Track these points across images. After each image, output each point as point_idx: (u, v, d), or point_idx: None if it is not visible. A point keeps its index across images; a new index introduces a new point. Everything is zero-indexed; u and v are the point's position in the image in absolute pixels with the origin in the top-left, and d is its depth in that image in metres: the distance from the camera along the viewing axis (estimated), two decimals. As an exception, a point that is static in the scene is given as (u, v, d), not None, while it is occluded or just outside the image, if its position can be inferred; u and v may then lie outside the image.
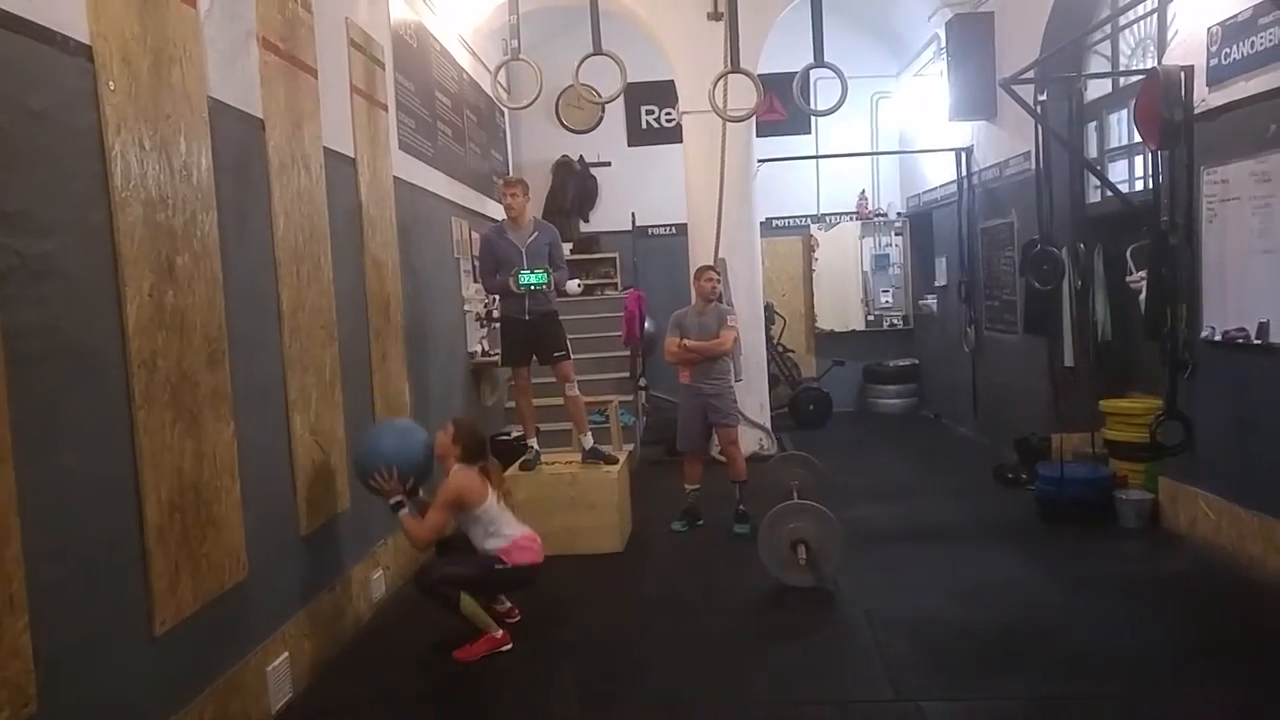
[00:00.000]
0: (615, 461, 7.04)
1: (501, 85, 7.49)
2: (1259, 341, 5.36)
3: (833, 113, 6.59)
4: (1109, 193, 7.20)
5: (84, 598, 3.02)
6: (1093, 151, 7.93)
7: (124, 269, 3.24)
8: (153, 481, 3.36)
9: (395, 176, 6.51)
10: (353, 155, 5.73)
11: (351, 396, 5.40)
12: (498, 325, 7.42)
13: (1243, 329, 5.50)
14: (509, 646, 4.96)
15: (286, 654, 4.38)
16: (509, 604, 5.34)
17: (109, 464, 3.19)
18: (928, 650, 4.74)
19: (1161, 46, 6.29)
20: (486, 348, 8.82)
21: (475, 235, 8.46)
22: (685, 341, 7.08)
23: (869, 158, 12.80)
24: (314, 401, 4.88)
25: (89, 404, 3.09)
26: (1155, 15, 6.46)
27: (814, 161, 12.59)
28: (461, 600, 4.88)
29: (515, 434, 8.07)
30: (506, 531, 5.13)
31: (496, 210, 8.88)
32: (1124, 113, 7.51)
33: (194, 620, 3.61)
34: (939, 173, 11.16)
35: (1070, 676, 4.36)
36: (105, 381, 3.18)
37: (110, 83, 3.20)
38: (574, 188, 12.64)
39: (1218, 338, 5.73)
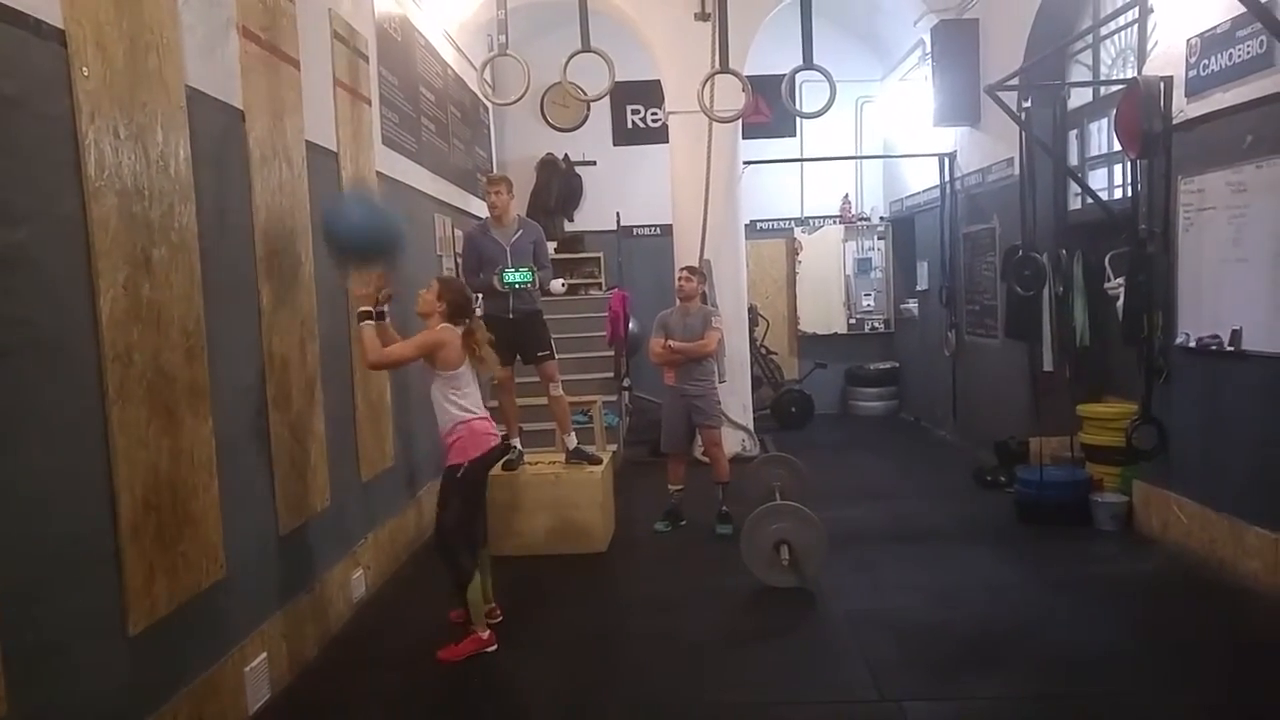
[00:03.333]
0: (599, 462, 7.03)
1: (487, 81, 7.46)
2: (1232, 348, 5.42)
3: (821, 115, 6.60)
4: (1090, 200, 7.24)
5: (56, 597, 2.97)
6: (1074, 159, 7.97)
7: (98, 261, 3.18)
8: (127, 479, 3.31)
9: (378, 172, 6.47)
10: (335, 149, 5.68)
11: (331, 395, 5.36)
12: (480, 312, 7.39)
13: (1216, 336, 5.55)
14: (494, 648, 4.93)
15: (265, 654, 4.34)
16: (492, 604, 5.30)
17: (82, 461, 3.14)
18: (909, 650, 4.76)
19: (1142, 57, 6.33)
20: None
21: (459, 233, 8.42)
22: (670, 342, 7.08)
23: (853, 162, 12.82)
24: (293, 399, 4.83)
25: (61, 399, 3.03)
26: (1136, 26, 6.49)
27: (798, 165, 12.62)
28: (472, 583, 4.86)
29: (500, 434, 8.03)
30: (469, 404, 5.00)
31: (480, 208, 8.85)
32: (1105, 121, 7.55)
33: (170, 620, 3.57)
34: (922, 178, 11.19)
35: (1048, 676, 4.41)
36: (78, 376, 3.12)
37: (84, 68, 3.13)
38: (559, 186, 12.60)
39: (1192, 344, 5.78)
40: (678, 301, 7.32)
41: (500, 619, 5.28)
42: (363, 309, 4.78)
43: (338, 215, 4.77)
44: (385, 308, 4.96)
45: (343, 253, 4.84)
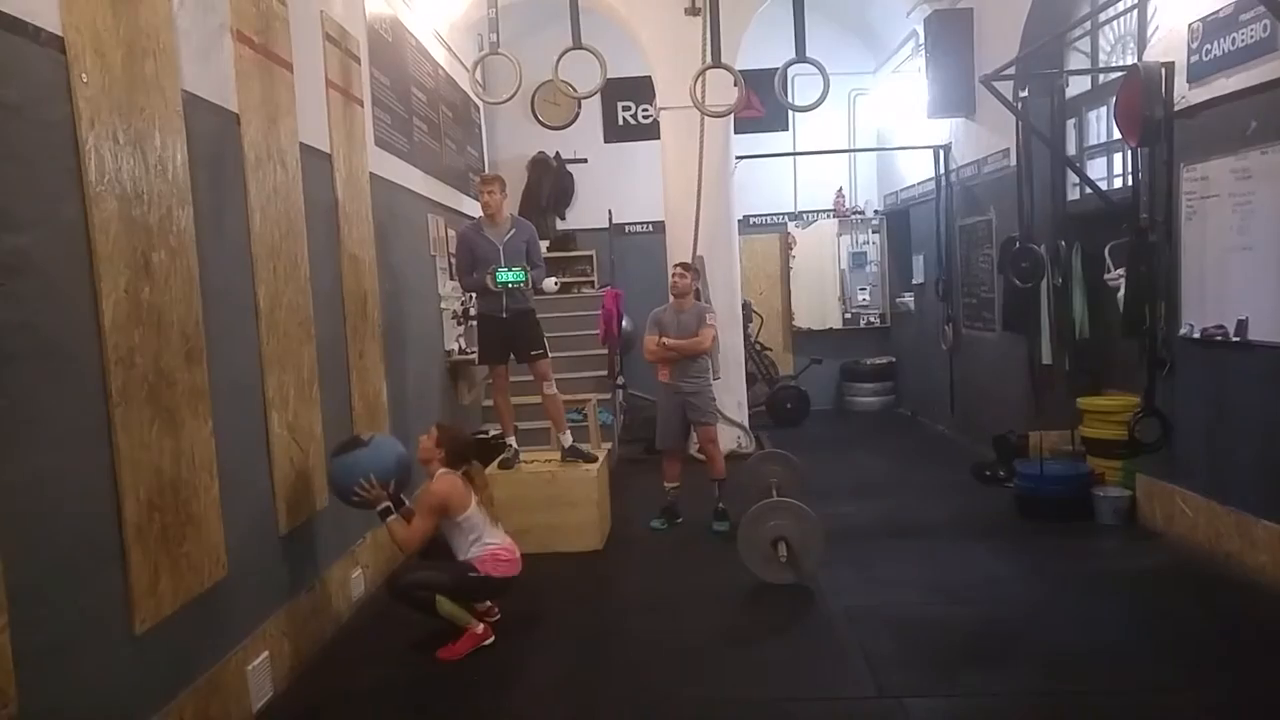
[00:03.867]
0: (594, 460, 7.01)
1: (478, 80, 7.42)
2: (1238, 339, 5.39)
3: (815, 108, 6.58)
4: (1089, 190, 7.22)
5: (63, 597, 2.98)
6: (1072, 149, 7.95)
7: (99, 265, 3.18)
8: (131, 480, 3.31)
9: (371, 173, 6.44)
10: (329, 151, 5.66)
11: (329, 395, 5.35)
12: (475, 323, 7.37)
13: (1221, 326, 5.52)
14: (491, 639, 4.95)
15: (267, 653, 4.36)
16: (487, 602, 5.30)
17: (86, 462, 3.14)
18: (909, 646, 4.74)
19: (1142, 43, 6.31)
20: (464, 346, 8.76)
21: (452, 232, 8.40)
22: (664, 340, 7.06)
23: (846, 155, 12.81)
24: (292, 400, 4.83)
25: (65, 402, 3.04)
26: (1135, 11, 6.47)
27: (791, 159, 12.61)
28: (437, 602, 4.87)
29: (493, 432, 8.02)
30: (487, 540, 5.11)
31: (473, 207, 8.82)
32: (1104, 110, 7.53)
33: (174, 619, 3.58)
34: (917, 170, 11.19)
35: (1050, 672, 4.39)
36: (82, 379, 3.12)
37: (83, 75, 3.14)
38: (550, 185, 12.58)
39: (1196, 335, 5.76)
40: (671, 298, 7.30)
41: (498, 617, 5.27)
42: (380, 508, 4.90)
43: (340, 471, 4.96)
44: (402, 496, 5.09)
45: (345, 495, 4.96)
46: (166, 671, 3.56)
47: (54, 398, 2.98)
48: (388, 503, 4.90)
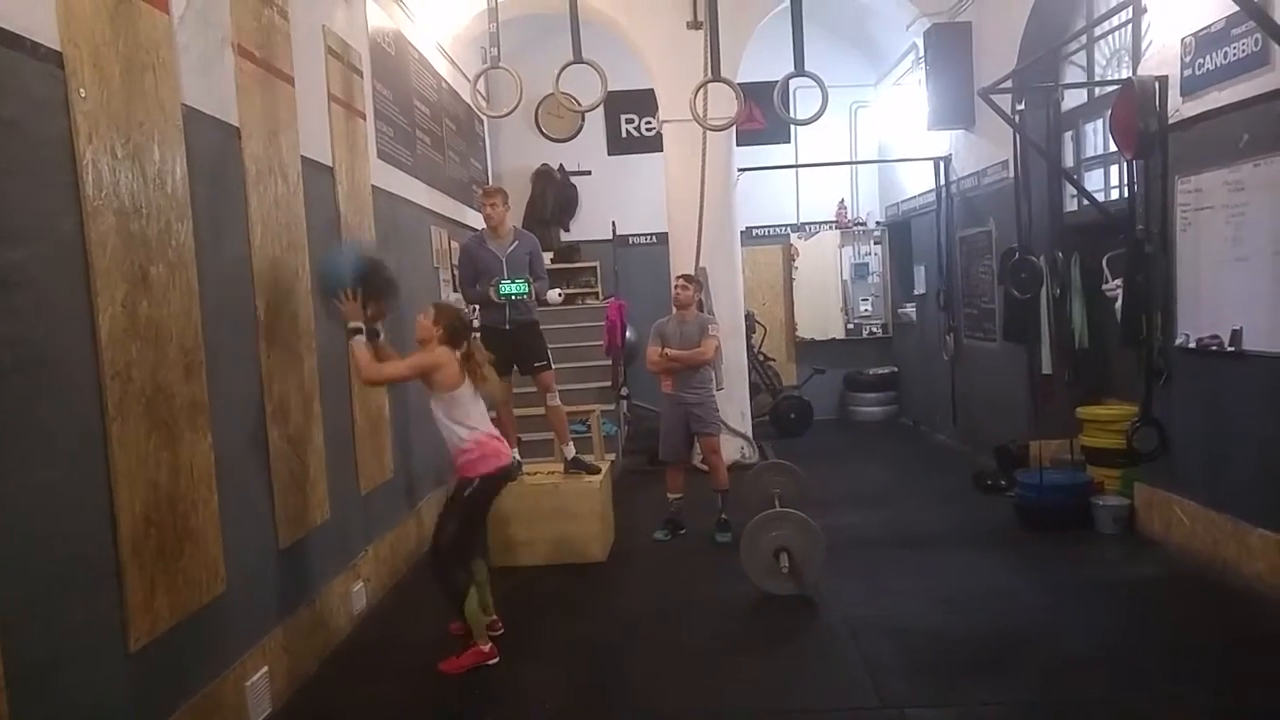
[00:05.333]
0: (597, 471, 7.02)
1: (481, 93, 7.46)
2: (1232, 349, 5.41)
3: (814, 121, 6.62)
4: (1086, 202, 7.24)
5: (57, 614, 2.97)
6: (1069, 161, 7.99)
7: (96, 279, 3.19)
8: (127, 495, 3.31)
9: (374, 185, 6.48)
10: (331, 164, 5.69)
11: (330, 408, 5.36)
12: (478, 335, 7.38)
13: (1216, 336, 5.54)
14: (495, 660, 4.92)
15: (266, 669, 4.33)
16: (493, 616, 5.29)
17: (82, 477, 3.14)
18: (910, 656, 4.75)
19: (1136, 57, 6.35)
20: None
21: (455, 245, 8.43)
22: (667, 350, 7.08)
23: (848, 167, 12.83)
24: (292, 413, 4.84)
25: (61, 417, 3.03)
26: (1130, 26, 6.51)
27: (793, 171, 12.61)
28: (467, 599, 4.85)
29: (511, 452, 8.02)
30: (473, 423, 5.00)
31: (476, 219, 8.85)
32: (1100, 122, 7.55)
33: (170, 635, 3.56)
34: (917, 182, 11.20)
35: (1051, 681, 4.40)
36: (78, 394, 3.13)
37: (81, 89, 3.15)
38: (554, 197, 12.60)
39: (1192, 345, 5.77)
40: (674, 310, 7.32)
41: (502, 631, 5.27)
42: (351, 324, 4.79)
43: (325, 263, 4.93)
44: (377, 326, 4.98)
45: (328, 287, 4.89)
46: (163, 688, 3.54)
47: (49, 412, 2.97)
48: (359, 322, 4.77)
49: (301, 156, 5.15)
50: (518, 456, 7.04)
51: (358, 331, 4.79)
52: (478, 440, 4.99)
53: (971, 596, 5.56)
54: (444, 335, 4.96)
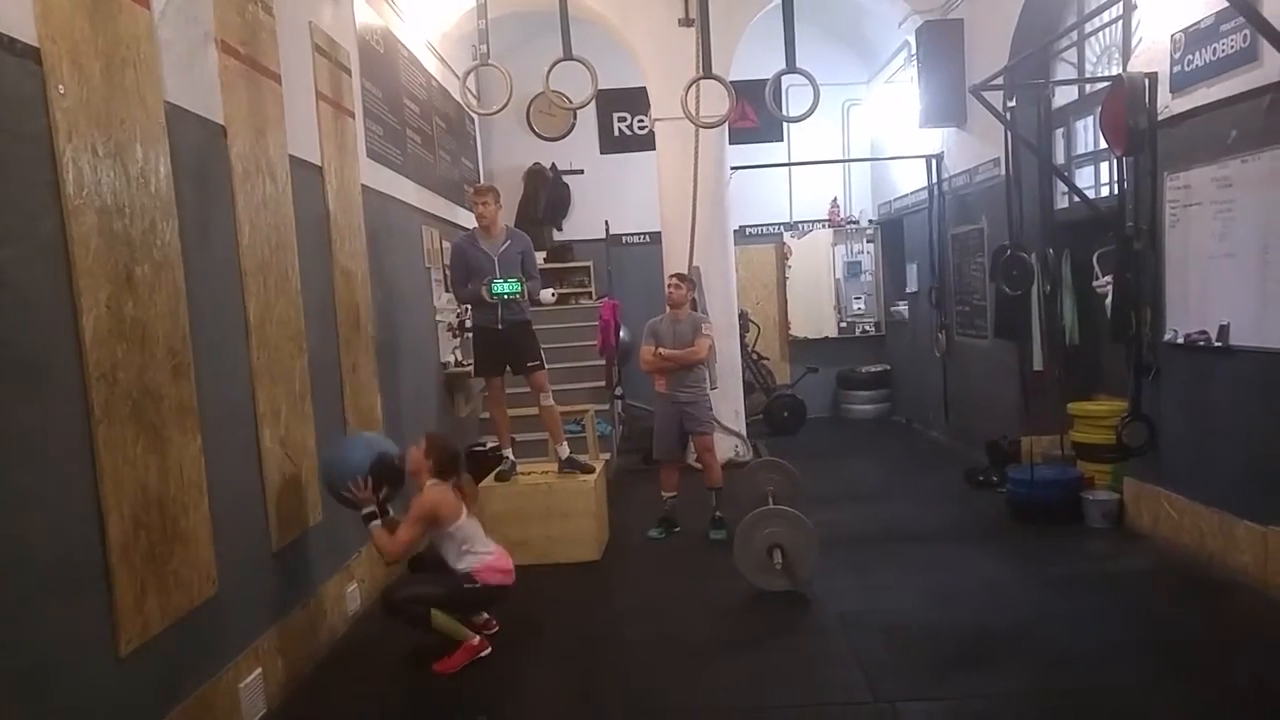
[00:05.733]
0: (592, 471, 7.01)
1: (471, 91, 7.44)
2: (1220, 344, 5.44)
3: (805, 119, 6.59)
4: (1076, 198, 7.25)
5: (45, 619, 2.95)
6: (1060, 158, 7.99)
7: (79, 279, 3.16)
8: (115, 498, 3.29)
9: (363, 185, 6.46)
10: (319, 163, 5.67)
11: (322, 408, 5.34)
12: (470, 335, 7.38)
13: (1204, 332, 5.57)
14: (488, 651, 4.94)
15: (259, 670, 4.33)
16: (485, 615, 5.30)
17: (68, 480, 3.11)
18: (903, 651, 4.77)
19: (1126, 53, 6.35)
20: (459, 358, 8.78)
21: (446, 244, 8.42)
22: (660, 350, 7.08)
23: (840, 165, 12.83)
24: (284, 414, 4.82)
25: (45, 419, 3.01)
26: (1120, 22, 6.50)
27: (786, 169, 12.62)
28: (432, 616, 4.86)
29: (490, 445, 8.03)
30: (480, 549, 5.11)
31: (467, 219, 8.83)
32: (1090, 119, 7.56)
33: (162, 638, 3.55)
34: (910, 180, 11.21)
35: (1042, 674, 4.42)
36: (62, 396, 3.10)
37: (60, 86, 3.11)
38: (546, 196, 12.59)
39: (1180, 340, 5.80)
40: (668, 309, 7.31)
41: (497, 629, 5.27)
42: (365, 511, 4.89)
43: (335, 457, 5.00)
44: (388, 505, 5.06)
45: (336, 486, 4.95)
46: (154, 691, 3.53)
47: (32, 415, 2.95)
48: (374, 507, 4.88)
49: (289, 155, 5.12)
50: (511, 456, 7.05)
51: (373, 517, 4.90)
52: (485, 564, 5.09)
53: (963, 591, 5.58)
54: (434, 467, 5.08)
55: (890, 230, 12.57)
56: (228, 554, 4.09)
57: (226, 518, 4.10)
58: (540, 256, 9.17)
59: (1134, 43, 6.25)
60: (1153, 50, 5.93)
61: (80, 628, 3.15)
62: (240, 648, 4.21)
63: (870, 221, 12.96)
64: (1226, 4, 4.79)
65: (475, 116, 11.04)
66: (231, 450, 4.27)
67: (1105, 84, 6.41)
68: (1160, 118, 5.85)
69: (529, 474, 7.06)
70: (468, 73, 6.97)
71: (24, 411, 2.92)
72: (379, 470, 4.92)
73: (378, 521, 4.91)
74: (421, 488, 5.08)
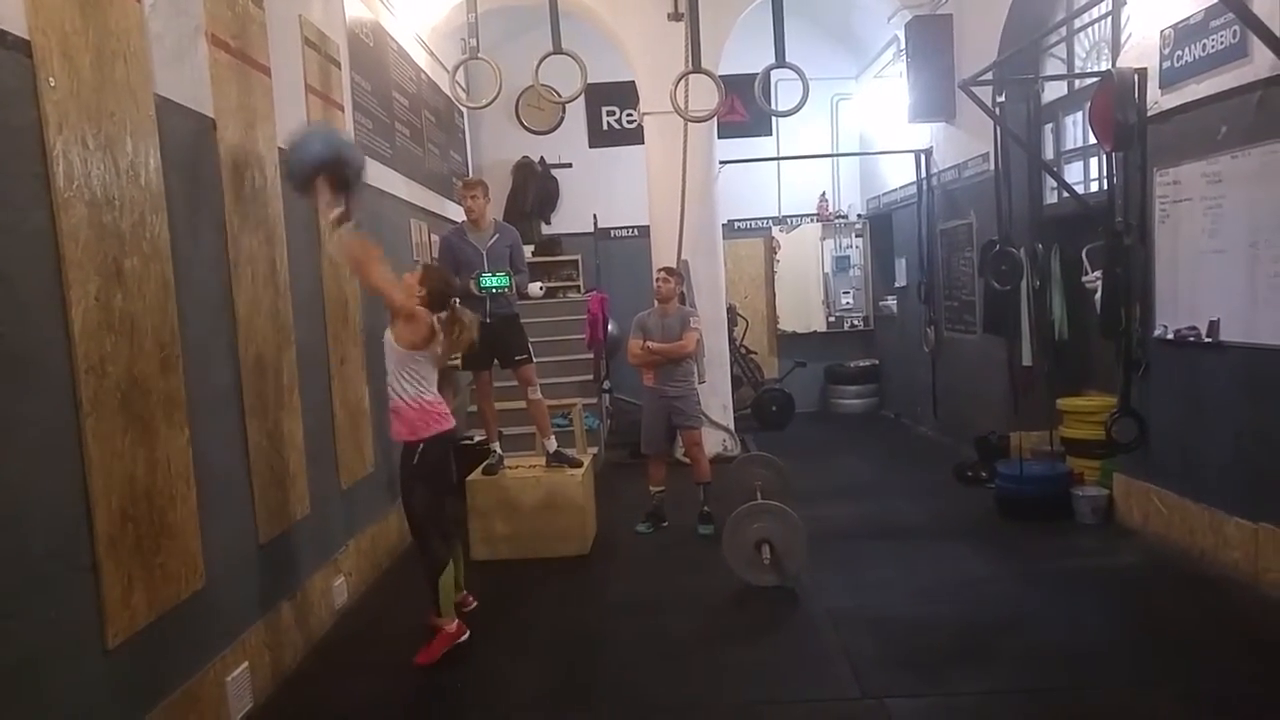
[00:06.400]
0: (579, 464, 7.00)
1: (460, 85, 7.42)
2: (1209, 340, 5.46)
3: (794, 113, 6.62)
4: (1065, 194, 7.27)
5: (32, 611, 2.94)
6: (1049, 153, 8.01)
7: (69, 272, 3.15)
8: (103, 490, 3.28)
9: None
10: (309, 157, 5.64)
11: (310, 402, 5.33)
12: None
13: (1194, 327, 5.58)
14: (466, 636, 4.94)
15: (247, 663, 4.32)
16: (463, 592, 5.33)
17: (56, 473, 3.11)
18: (891, 647, 4.77)
19: (1116, 49, 6.36)
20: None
21: (435, 237, 8.39)
22: (648, 344, 7.07)
23: (829, 159, 12.84)
24: (271, 407, 4.81)
25: (34, 412, 3.00)
26: (1110, 18, 6.52)
27: (775, 163, 12.62)
28: (444, 571, 4.89)
29: (478, 438, 8.02)
30: (422, 385, 4.97)
31: (456, 212, 8.83)
32: (1080, 114, 7.57)
33: (149, 631, 3.54)
34: (899, 174, 11.22)
35: (1031, 670, 4.42)
36: (51, 388, 3.09)
37: (50, 79, 3.10)
38: (535, 189, 12.57)
39: (1170, 336, 5.81)
40: (656, 303, 7.31)
41: (474, 605, 5.30)
42: (336, 212, 4.72)
43: (297, 145, 4.73)
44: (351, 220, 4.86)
45: (302, 173, 4.71)
46: (141, 684, 3.52)
47: (21, 407, 2.94)
48: (344, 209, 4.71)
49: (279, 148, 5.09)
50: (499, 450, 7.04)
51: (345, 219, 4.73)
52: (421, 403, 4.96)
53: (952, 587, 5.59)
54: (427, 297, 4.93)
55: (879, 225, 12.58)
56: (215, 547, 4.08)
57: (214, 511, 4.09)
58: (528, 250, 9.15)
59: (1123, 38, 6.27)
60: (1142, 46, 5.95)
61: (68, 620, 3.13)
62: (227, 641, 4.20)
63: (859, 216, 12.97)
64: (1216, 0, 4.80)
65: (464, 110, 11.02)
66: (219, 443, 4.26)
67: (1095, 79, 6.44)
68: (1150, 113, 5.86)
69: (516, 468, 7.04)
70: (457, 66, 6.97)
71: (12, 403, 2.91)
72: (340, 165, 4.70)
73: (350, 224, 4.74)
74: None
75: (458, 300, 5.21)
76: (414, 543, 5.03)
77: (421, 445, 4.95)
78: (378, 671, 4.87)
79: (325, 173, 4.65)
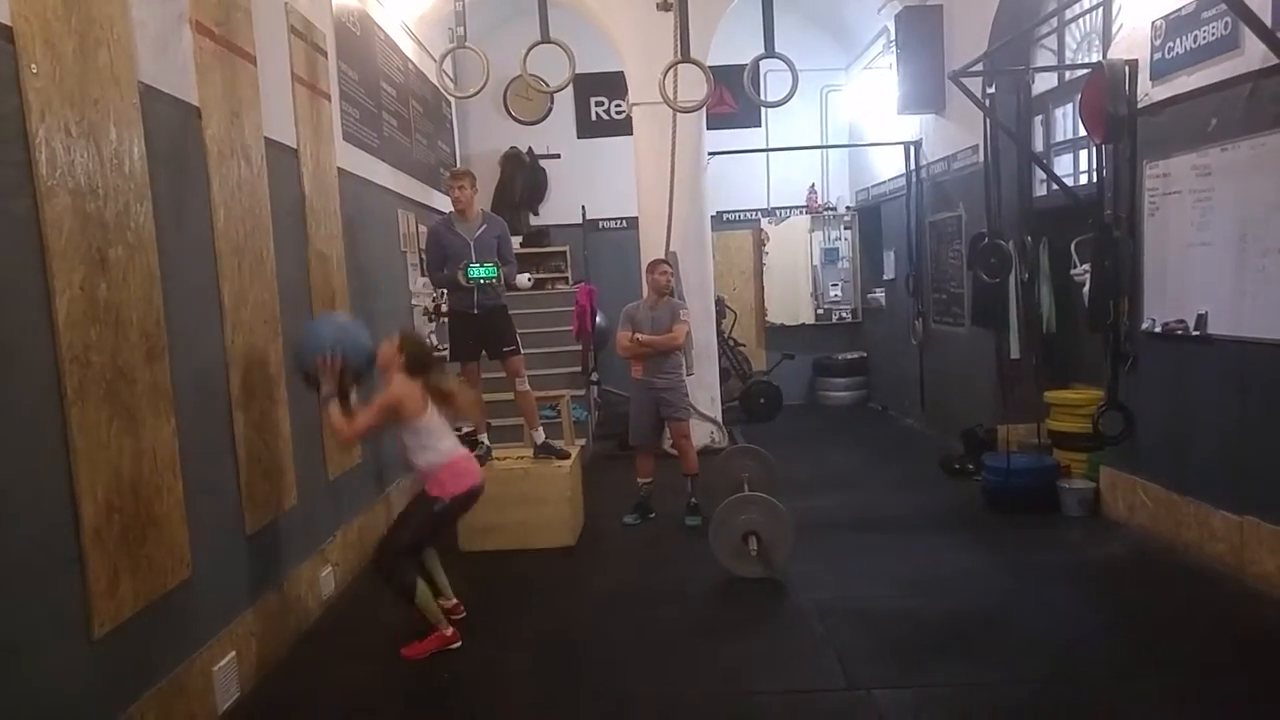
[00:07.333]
0: (567, 456, 7.00)
1: (447, 74, 7.38)
2: (1197, 333, 5.46)
3: (784, 104, 6.59)
4: (1055, 186, 7.25)
5: (17, 602, 2.94)
6: (1039, 145, 8.00)
7: (52, 261, 3.12)
8: (89, 481, 3.27)
9: (339, 168, 6.41)
10: (295, 146, 5.62)
11: (297, 392, 5.27)
12: (446, 320, 7.34)
13: (1182, 321, 5.59)
14: (458, 644, 4.92)
15: (233, 653, 4.32)
16: (453, 600, 5.29)
17: (41, 463, 3.09)
18: (877, 638, 4.78)
19: (1106, 40, 6.35)
20: (435, 342, 8.73)
21: (422, 228, 8.36)
22: (637, 336, 7.05)
23: (818, 151, 12.82)
24: (258, 398, 4.79)
25: (18, 402, 2.98)
26: (1101, 9, 6.51)
27: (764, 155, 12.60)
28: (417, 592, 4.84)
29: (466, 429, 8.00)
30: (442, 446, 5.01)
31: (444, 203, 8.78)
32: (1070, 106, 7.58)
33: (135, 621, 3.54)
34: (888, 166, 11.22)
35: (1016, 662, 4.43)
36: (35, 378, 3.07)
37: (33, 65, 3.07)
38: (523, 180, 12.52)
39: (1158, 329, 5.81)
40: (645, 293, 7.28)
41: (464, 615, 5.27)
42: (324, 391, 4.80)
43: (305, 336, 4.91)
44: (350, 392, 4.95)
45: (304, 361, 4.87)
46: (128, 673, 3.52)
47: (4, 397, 2.92)
48: (333, 389, 4.77)
49: (265, 138, 5.07)
50: (486, 441, 7.03)
51: (331, 396, 4.80)
52: (448, 463, 5.01)
53: (938, 579, 5.59)
54: (405, 363, 4.97)
55: (868, 217, 12.59)
56: (201, 537, 4.07)
57: (200, 501, 4.08)
58: (516, 241, 9.14)
59: (1114, 29, 6.25)
60: (1133, 37, 5.94)
61: (54, 610, 3.13)
62: (214, 631, 4.20)
63: (848, 208, 12.96)
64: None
65: (452, 100, 10.97)
66: (205, 434, 4.24)
67: (1085, 71, 6.42)
68: (1140, 105, 5.85)
69: (504, 459, 7.04)
70: (444, 55, 6.93)
71: (-4, 393, 2.89)
72: (346, 352, 4.82)
73: (335, 402, 4.79)
74: (388, 384, 4.97)
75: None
76: (376, 573, 4.99)
77: (449, 501, 4.99)
78: (364, 662, 4.86)
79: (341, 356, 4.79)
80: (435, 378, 5.11)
